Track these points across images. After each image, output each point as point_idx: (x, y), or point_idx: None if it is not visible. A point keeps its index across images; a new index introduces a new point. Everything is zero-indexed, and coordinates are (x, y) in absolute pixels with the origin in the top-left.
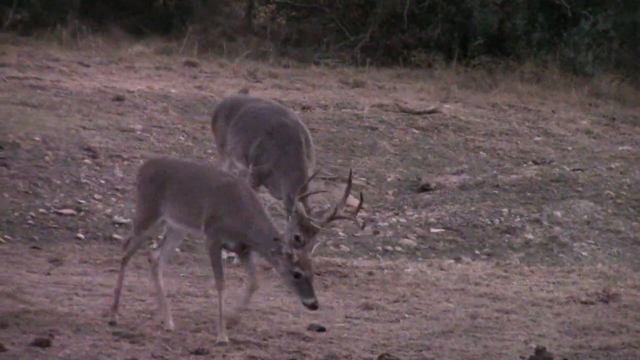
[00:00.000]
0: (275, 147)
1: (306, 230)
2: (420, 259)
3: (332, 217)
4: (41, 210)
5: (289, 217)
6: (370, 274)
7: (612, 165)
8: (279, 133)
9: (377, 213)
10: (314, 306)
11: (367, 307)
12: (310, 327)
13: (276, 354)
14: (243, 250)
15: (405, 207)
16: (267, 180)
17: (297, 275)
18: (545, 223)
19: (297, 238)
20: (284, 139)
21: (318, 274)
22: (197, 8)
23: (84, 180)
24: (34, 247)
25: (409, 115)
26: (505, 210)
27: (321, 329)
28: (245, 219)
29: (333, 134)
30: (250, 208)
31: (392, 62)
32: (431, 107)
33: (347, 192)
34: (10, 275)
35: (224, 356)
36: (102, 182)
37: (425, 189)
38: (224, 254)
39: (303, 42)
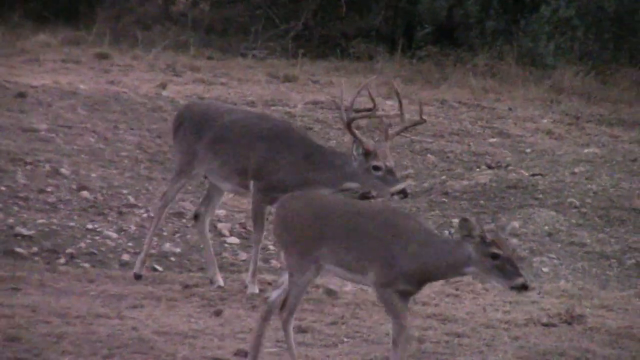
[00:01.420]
0: (284, 152)
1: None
2: None
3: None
4: None
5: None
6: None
7: (576, 170)
8: (280, 137)
9: None
10: (525, 286)
11: (301, 330)
12: (238, 353)
13: None
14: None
15: None
16: (276, 194)
17: (494, 256)
18: (501, 235)
19: (376, 168)
20: (289, 140)
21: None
22: None
23: None
24: None
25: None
26: (455, 220)
27: None
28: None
29: None
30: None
31: (328, 54)
32: (371, 105)
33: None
34: None
35: None
36: (2, 189)
37: (364, 196)
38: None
39: (228, 32)
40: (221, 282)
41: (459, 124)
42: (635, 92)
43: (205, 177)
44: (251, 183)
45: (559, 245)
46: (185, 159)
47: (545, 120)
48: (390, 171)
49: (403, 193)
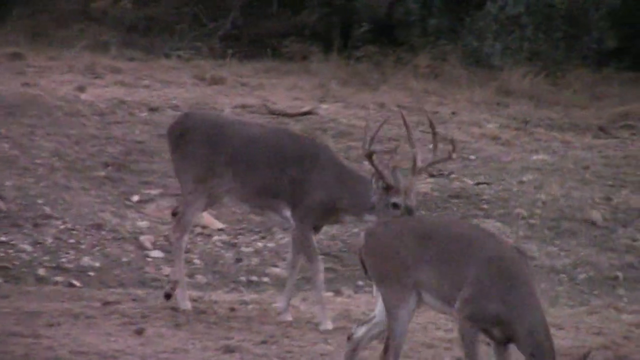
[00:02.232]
0: (315, 173)
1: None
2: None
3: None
4: None
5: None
6: (232, 309)
7: (524, 178)
8: (310, 157)
9: (239, 236)
10: None
11: (229, 350)
12: None
13: None
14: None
15: (274, 228)
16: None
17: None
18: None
19: (395, 205)
20: (320, 160)
21: (173, 309)
22: None
23: None
24: None
25: (279, 118)
26: None
27: None
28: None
29: None
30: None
31: (259, 54)
32: (306, 108)
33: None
34: None
35: None
36: None
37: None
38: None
39: (151, 31)
40: (187, 306)
41: (398, 129)
42: (588, 94)
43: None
44: (287, 213)
45: None
46: (200, 174)
47: (491, 125)
48: (409, 210)
49: None
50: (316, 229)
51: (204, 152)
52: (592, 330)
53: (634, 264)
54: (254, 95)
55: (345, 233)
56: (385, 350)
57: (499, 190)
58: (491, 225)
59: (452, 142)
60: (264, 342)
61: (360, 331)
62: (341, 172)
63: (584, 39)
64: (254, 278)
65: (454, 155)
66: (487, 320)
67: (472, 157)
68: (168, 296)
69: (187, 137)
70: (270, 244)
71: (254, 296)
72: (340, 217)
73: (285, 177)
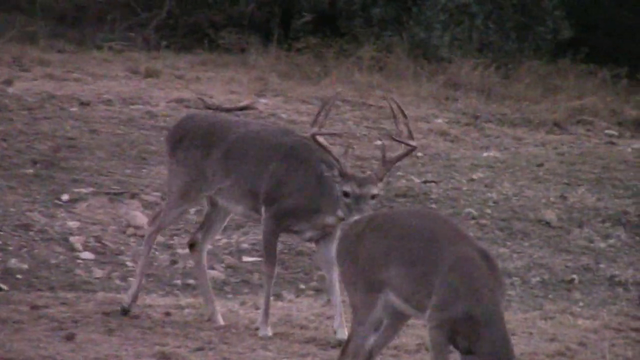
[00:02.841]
0: (298, 173)
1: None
2: (231, 295)
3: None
4: None
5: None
6: (168, 314)
7: (474, 176)
8: (297, 155)
9: (175, 237)
10: None
11: (164, 357)
12: None
13: None
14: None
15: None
16: (288, 222)
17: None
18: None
19: (345, 194)
20: (307, 159)
21: (105, 314)
22: None
23: None
24: None
25: (215, 113)
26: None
27: None
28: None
29: (119, 137)
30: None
31: (195, 46)
32: (244, 103)
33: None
34: None
35: None
36: None
37: None
38: None
39: (82, 21)
40: (221, 322)
41: (342, 124)
42: (541, 88)
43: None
44: (262, 208)
45: None
46: (189, 180)
47: (439, 120)
48: (357, 200)
49: None
50: (298, 233)
51: (197, 154)
52: (546, 336)
53: (590, 266)
54: (190, 88)
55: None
56: (342, 352)
57: (448, 188)
58: None
59: (407, 126)
60: (200, 349)
61: (372, 339)
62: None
63: (538, 29)
64: (191, 281)
65: (414, 143)
66: (461, 327)
67: (420, 154)
68: (125, 311)
69: (184, 141)
70: (208, 246)
71: (190, 300)
72: (324, 220)
73: (267, 174)
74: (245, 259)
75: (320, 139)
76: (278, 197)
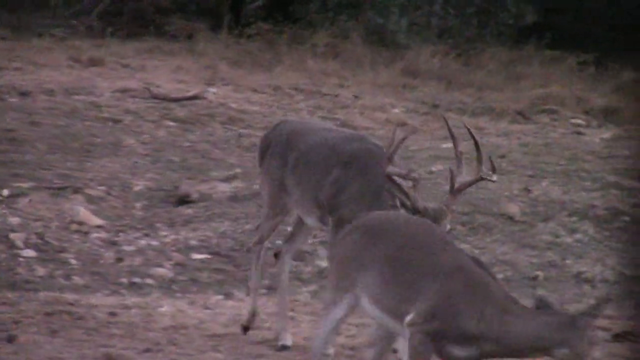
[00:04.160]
0: (355, 181)
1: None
2: (179, 294)
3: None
4: None
5: None
6: (113, 314)
7: (434, 168)
8: (356, 162)
9: (120, 234)
10: None
11: (110, 359)
12: None
13: None
14: None
15: (158, 225)
16: None
17: None
18: None
19: None
20: (366, 166)
21: (48, 314)
22: None
23: None
24: None
25: (163, 103)
26: (289, 229)
27: None
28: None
29: (62, 129)
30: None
31: (141, 33)
32: (192, 92)
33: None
34: None
35: None
36: None
37: (184, 201)
38: None
39: (22, 7)
40: (288, 342)
41: (295, 114)
42: (504, 75)
43: None
44: (329, 218)
45: None
46: (274, 190)
47: (397, 110)
48: None
49: None
50: None
51: (277, 163)
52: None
53: (555, 262)
54: (135, 78)
55: (238, 230)
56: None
57: (406, 181)
58: None
59: (490, 160)
60: (148, 350)
61: (369, 355)
62: (382, 183)
63: (500, 15)
64: (137, 280)
65: (495, 178)
66: (453, 338)
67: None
68: (245, 329)
69: (269, 151)
70: (154, 243)
71: (136, 299)
72: None
73: (327, 182)
74: (194, 256)
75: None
76: (338, 205)
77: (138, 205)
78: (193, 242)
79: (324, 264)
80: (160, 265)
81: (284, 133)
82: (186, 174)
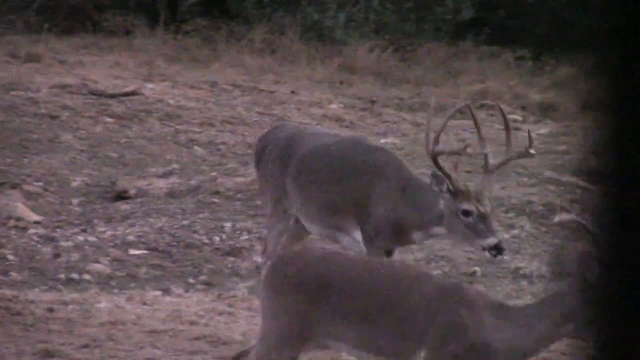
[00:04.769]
0: (379, 185)
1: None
2: (117, 290)
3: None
4: None
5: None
6: (51, 310)
7: None
8: (373, 169)
9: (58, 229)
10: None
11: (48, 355)
12: None
13: None
14: None
15: (96, 221)
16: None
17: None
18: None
19: (466, 213)
20: (385, 171)
21: None
22: None
23: None
24: None
25: (100, 99)
26: (228, 224)
27: None
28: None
29: None
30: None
31: (78, 29)
32: (130, 88)
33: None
34: None
35: None
36: None
37: (122, 196)
38: None
39: None
40: None
41: (232, 110)
42: (441, 71)
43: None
44: (355, 233)
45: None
46: (274, 197)
47: (334, 106)
48: (483, 218)
49: (497, 250)
50: (388, 253)
51: (276, 169)
52: None
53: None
54: (73, 73)
55: (175, 226)
56: None
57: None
58: None
59: (528, 135)
60: (86, 346)
61: None
62: (407, 184)
63: (437, 10)
64: (75, 275)
65: (532, 151)
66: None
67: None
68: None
69: (265, 155)
70: (92, 238)
71: (74, 295)
72: (410, 236)
73: (347, 192)
74: (132, 252)
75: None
76: (368, 214)
77: (75, 201)
78: (131, 238)
79: (261, 259)
80: (98, 261)
81: (282, 137)
82: (124, 170)
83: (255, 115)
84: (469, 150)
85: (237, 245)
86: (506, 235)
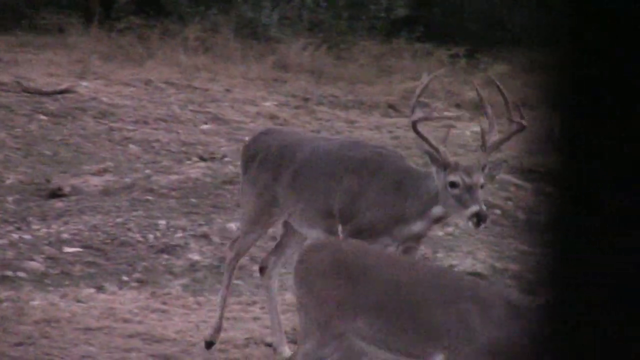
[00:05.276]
0: (372, 184)
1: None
2: (51, 287)
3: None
4: None
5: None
6: None
7: None
8: (369, 167)
9: None
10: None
11: None
12: None
13: None
14: None
15: (30, 218)
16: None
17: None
18: (215, 239)
19: (453, 184)
20: (380, 169)
21: None
22: None
23: None
24: None
25: (34, 97)
26: (162, 222)
27: None
28: None
29: None
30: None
31: (12, 26)
32: (64, 86)
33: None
34: None
35: None
36: None
37: (56, 194)
38: None
39: None
40: (287, 353)
41: (167, 108)
42: (375, 69)
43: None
44: (339, 228)
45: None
46: (261, 204)
47: (268, 103)
48: (469, 189)
49: (478, 217)
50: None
51: (268, 176)
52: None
53: (427, 255)
54: (7, 72)
55: (109, 224)
56: None
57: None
58: None
59: (517, 107)
60: (20, 344)
61: None
62: (402, 177)
63: (371, 7)
64: (9, 273)
65: (525, 122)
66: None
67: (248, 138)
68: (209, 345)
69: (256, 161)
70: (26, 236)
71: (8, 293)
72: (411, 227)
73: (339, 191)
74: (66, 249)
75: (420, 126)
76: (355, 213)
77: (10, 198)
78: (65, 236)
79: (195, 257)
80: (32, 259)
81: (273, 145)
82: (58, 168)
83: (189, 113)
84: (446, 114)
85: (171, 243)
86: (440, 233)
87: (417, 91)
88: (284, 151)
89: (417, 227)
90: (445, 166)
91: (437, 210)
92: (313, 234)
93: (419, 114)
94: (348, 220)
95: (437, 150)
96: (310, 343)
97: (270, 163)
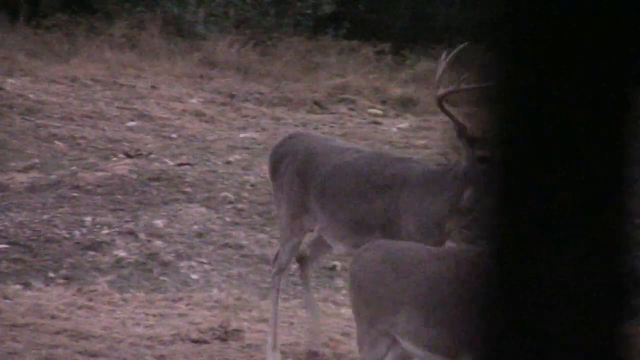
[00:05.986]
0: (406, 196)
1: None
2: None
3: None
4: None
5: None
6: None
7: (231, 159)
8: (400, 181)
9: None
10: None
11: None
12: None
13: None
14: None
15: None
16: None
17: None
18: (141, 236)
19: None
20: (409, 180)
21: None
22: None
23: None
24: None
25: None
26: (88, 219)
27: None
28: None
29: None
30: None
31: None
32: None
33: None
34: None
35: None
36: None
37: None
38: None
39: None
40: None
41: (92, 105)
42: (301, 66)
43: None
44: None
45: (211, 248)
46: (293, 212)
47: (194, 100)
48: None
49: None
50: None
51: (296, 184)
52: (308, 325)
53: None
54: None
55: (35, 220)
56: None
57: (203, 171)
58: (194, 210)
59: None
60: None
61: None
62: (430, 178)
63: (297, 4)
64: None
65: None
66: None
67: (174, 135)
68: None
69: (284, 163)
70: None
71: None
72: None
73: (374, 208)
74: None
75: (445, 104)
76: (398, 229)
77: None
78: None
79: (121, 253)
80: None
81: (300, 151)
82: None
83: (115, 109)
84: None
85: (98, 239)
86: None
87: (440, 69)
88: (311, 160)
89: (451, 225)
90: (473, 141)
91: (467, 193)
92: (340, 248)
93: (442, 90)
94: (395, 235)
95: (464, 127)
96: (364, 350)
97: (298, 171)
